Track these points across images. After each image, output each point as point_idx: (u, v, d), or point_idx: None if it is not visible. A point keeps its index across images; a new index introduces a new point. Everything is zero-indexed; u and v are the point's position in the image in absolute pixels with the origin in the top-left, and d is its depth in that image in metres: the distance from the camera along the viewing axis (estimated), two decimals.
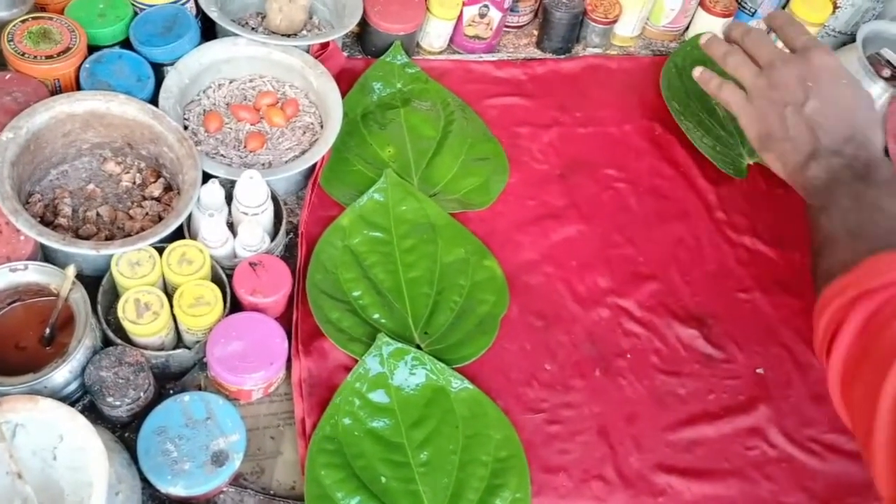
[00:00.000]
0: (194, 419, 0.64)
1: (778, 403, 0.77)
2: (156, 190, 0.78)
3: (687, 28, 1.08)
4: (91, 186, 0.77)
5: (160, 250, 0.69)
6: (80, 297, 0.65)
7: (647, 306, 0.82)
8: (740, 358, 0.80)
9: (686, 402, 0.76)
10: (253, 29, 0.92)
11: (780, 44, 0.79)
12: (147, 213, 0.76)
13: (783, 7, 1.05)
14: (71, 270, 0.64)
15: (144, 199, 0.77)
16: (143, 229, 0.73)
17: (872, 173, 0.63)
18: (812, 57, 0.71)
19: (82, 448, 0.55)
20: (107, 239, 0.74)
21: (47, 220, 0.74)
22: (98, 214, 0.76)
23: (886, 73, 0.96)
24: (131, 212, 0.76)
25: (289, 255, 0.79)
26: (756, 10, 1.07)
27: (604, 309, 0.81)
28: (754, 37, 0.75)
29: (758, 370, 0.79)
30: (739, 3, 1.07)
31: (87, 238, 0.74)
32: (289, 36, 0.92)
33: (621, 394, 0.76)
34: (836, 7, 1.03)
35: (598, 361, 0.77)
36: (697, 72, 0.80)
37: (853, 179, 0.63)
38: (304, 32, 0.93)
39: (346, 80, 0.91)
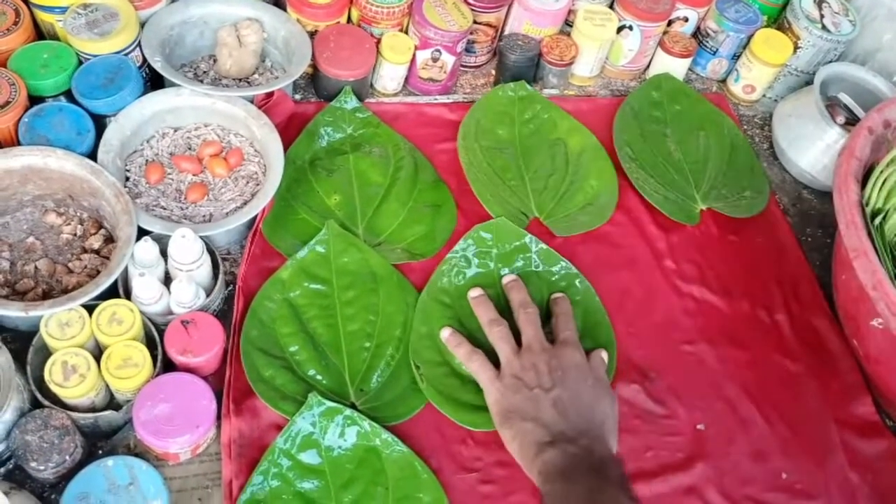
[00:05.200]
0: (117, 485, 0.64)
1: (717, 461, 0.77)
2: (96, 242, 0.78)
3: (647, 67, 1.07)
4: (31, 239, 0.78)
5: (92, 308, 0.69)
6: (4, 362, 0.65)
7: None
8: (681, 413, 0.79)
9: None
10: (204, 72, 0.92)
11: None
12: (86, 267, 0.76)
13: (744, 47, 1.05)
14: None
15: (84, 251, 0.78)
16: (79, 284, 0.73)
17: (606, 469, 0.65)
18: (565, 352, 0.74)
19: None
20: (44, 293, 0.75)
21: None
22: (36, 268, 0.76)
23: (841, 119, 0.95)
24: (70, 265, 0.77)
25: (227, 307, 0.79)
26: (717, 49, 1.06)
27: None
28: (525, 315, 0.76)
29: (698, 426, 0.79)
30: (700, 43, 1.06)
31: (24, 293, 0.74)
32: (239, 80, 0.92)
33: None
34: (797, 47, 1.03)
35: None
36: (447, 332, 0.77)
37: (588, 471, 0.65)
38: (256, 76, 0.92)
39: (297, 125, 0.91)
